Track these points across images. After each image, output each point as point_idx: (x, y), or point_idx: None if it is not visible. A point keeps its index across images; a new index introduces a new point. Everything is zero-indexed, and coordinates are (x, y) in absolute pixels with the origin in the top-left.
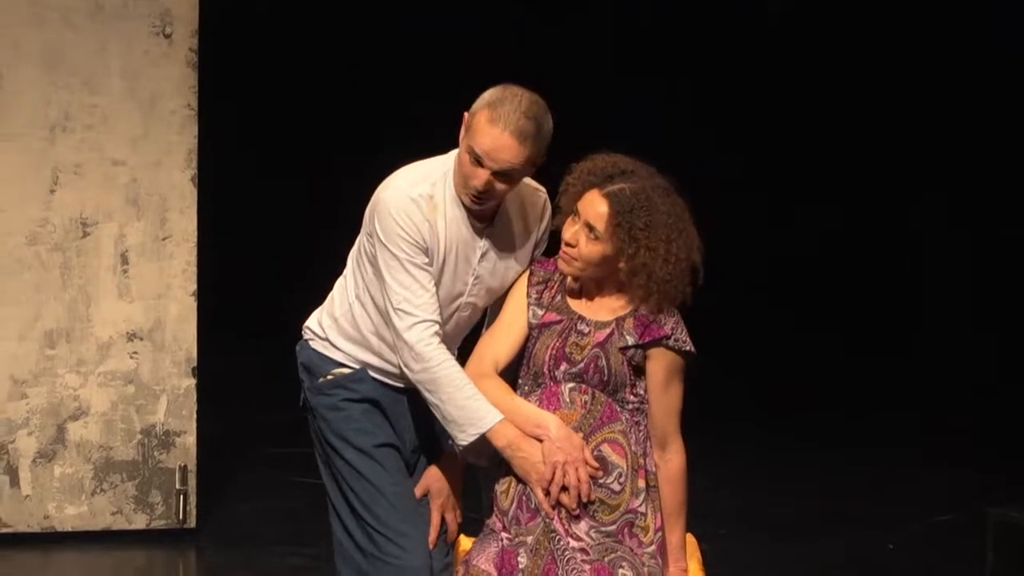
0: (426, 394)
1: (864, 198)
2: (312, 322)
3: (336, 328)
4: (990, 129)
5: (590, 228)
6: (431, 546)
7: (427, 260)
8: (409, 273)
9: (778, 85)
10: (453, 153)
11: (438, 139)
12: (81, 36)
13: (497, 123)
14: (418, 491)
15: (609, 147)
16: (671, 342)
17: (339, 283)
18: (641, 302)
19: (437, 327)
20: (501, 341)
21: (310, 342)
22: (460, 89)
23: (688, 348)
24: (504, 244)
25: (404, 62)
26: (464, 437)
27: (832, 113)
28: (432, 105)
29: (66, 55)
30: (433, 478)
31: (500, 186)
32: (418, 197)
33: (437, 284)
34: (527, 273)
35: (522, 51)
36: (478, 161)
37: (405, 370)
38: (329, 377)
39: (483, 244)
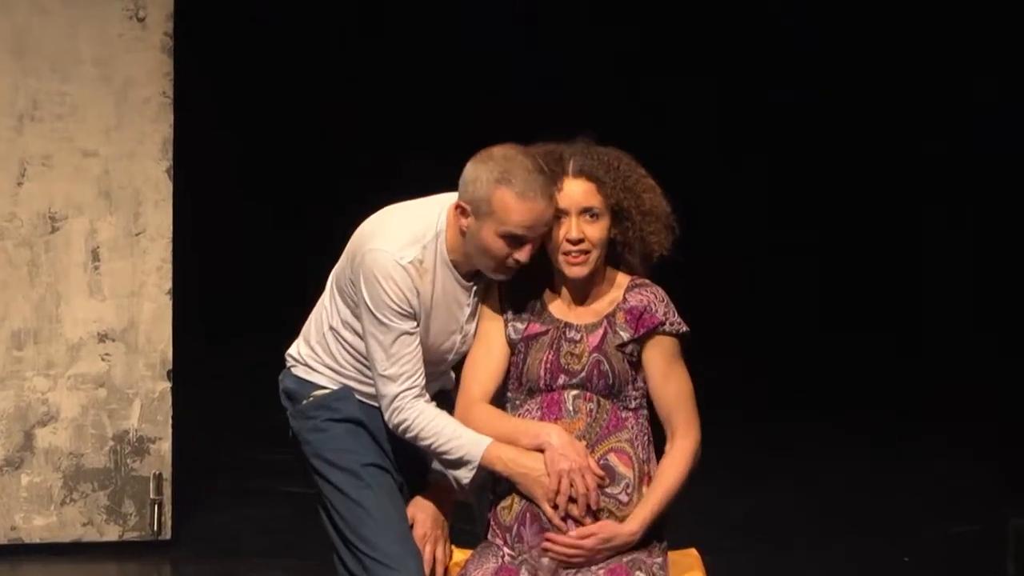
0: (414, 442)
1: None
2: (292, 349)
3: (314, 355)
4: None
5: (586, 211)
6: None
7: (414, 324)
8: (394, 342)
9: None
10: (443, 204)
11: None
12: (50, 20)
13: (526, 197)
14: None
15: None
16: (666, 327)
17: (316, 308)
18: (646, 254)
19: (418, 389)
20: (484, 368)
21: (291, 368)
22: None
23: (684, 329)
24: (490, 297)
25: (388, 52)
26: (463, 475)
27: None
28: (419, 91)
29: (34, 40)
30: (418, 509)
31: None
32: (408, 265)
33: (423, 340)
34: (495, 287)
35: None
36: (519, 240)
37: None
38: (311, 399)
39: (471, 301)
